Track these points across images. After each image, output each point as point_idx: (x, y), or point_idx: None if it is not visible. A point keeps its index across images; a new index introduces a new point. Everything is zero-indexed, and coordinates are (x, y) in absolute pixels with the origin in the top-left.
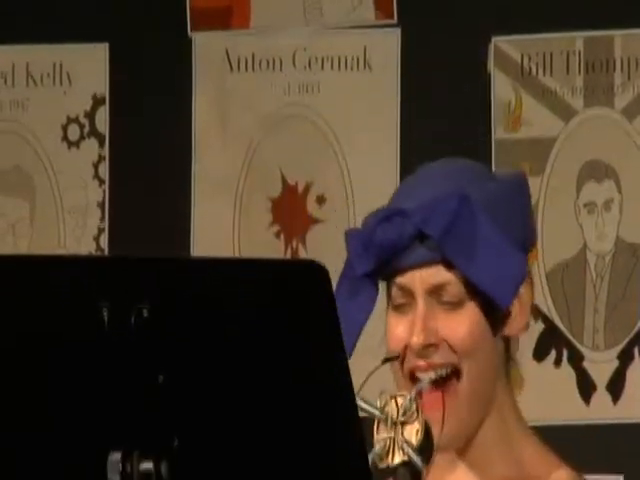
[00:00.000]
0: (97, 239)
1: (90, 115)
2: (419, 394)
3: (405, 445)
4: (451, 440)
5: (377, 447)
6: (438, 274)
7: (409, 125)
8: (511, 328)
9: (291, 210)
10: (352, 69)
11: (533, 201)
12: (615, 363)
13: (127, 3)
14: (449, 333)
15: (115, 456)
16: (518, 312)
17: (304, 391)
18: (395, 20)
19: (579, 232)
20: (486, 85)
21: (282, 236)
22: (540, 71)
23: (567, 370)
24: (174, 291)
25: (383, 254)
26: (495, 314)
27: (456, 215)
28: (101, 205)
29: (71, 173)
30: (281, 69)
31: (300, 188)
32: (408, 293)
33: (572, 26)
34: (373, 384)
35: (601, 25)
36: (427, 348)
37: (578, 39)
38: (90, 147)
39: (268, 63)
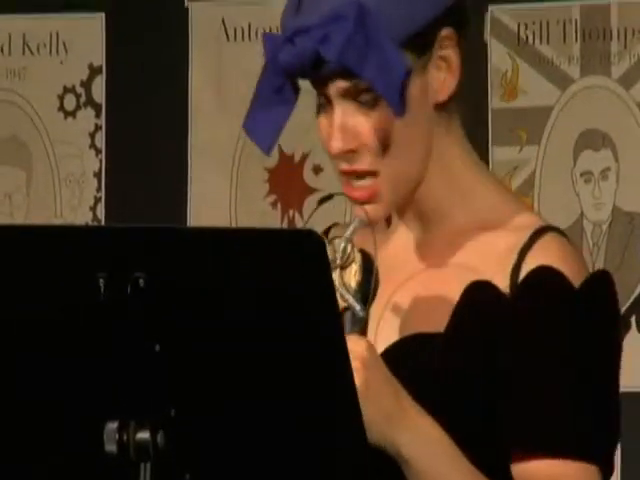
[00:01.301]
0: (94, 209)
1: (86, 85)
2: (349, 240)
3: (343, 291)
4: (380, 219)
5: None
6: (347, 78)
7: None
8: (442, 93)
9: (288, 180)
10: None
11: (530, 170)
12: None
13: None
14: (365, 137)
15: (112, 426)
16: (447, 77)
17: (300, 361)
18: None
19: (576, 201)
20: (483, 54)
21: (279, 206)
22: (537, 40)
23: None
24: (170, 261)
25: (289, 73)
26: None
27: (352, 33)
28: (97, 175)
29: (67, 142)
30: None
31: (297, 158)
32: (326, 97)
33: None
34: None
35: None
36: (347, 153)
37: (574, 8)
38: (86, 117)
39: (265, 33)
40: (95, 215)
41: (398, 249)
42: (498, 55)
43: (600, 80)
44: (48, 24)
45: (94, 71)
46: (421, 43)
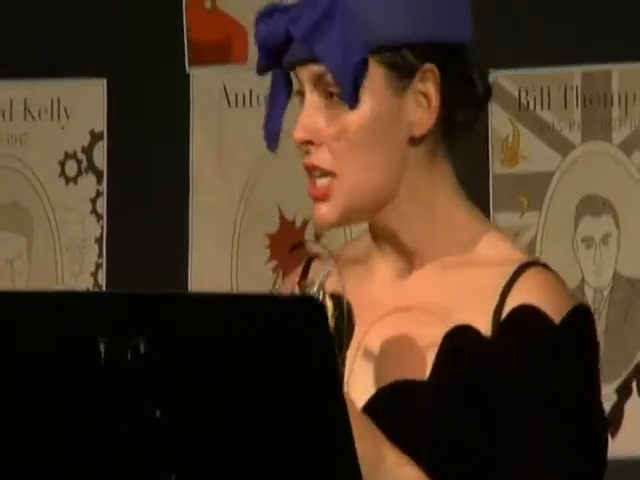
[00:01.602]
0: (95, 275)
1: (88, 150)
2: (322, 286)
3: None
4: (332, 223)
5: None
6: (315, 65)
7: None
8: (419, 129)
9: (289, 246)
10: None
11: (531, 236)
12: (613, 397)
13: (125, 38)
14: (324, 133)
15: None
16: (424, 114)
17: (301, 424)
18: None
19: (577, 266)
20: (484, 119)
21: (280, 272)
22: (538, 105)
23: None
24: (171, 326)
25: (264, 52)
26: (383, 115)
27: (320, 19)
28: (99, 241)
29: (69, 208)
30: None
31: (297, 224)
32: (302, 85)
33: (569, 60)
34: None
35: (598, 59)
36: (307, 144)
37: (576, 74)
38: (88, 182)
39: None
40: (96, 281)
41: (376, 287)
42: (499, 120)
43: (601, 146)
44: (49, 90)
45: (95, 137)
46: (397, 63)
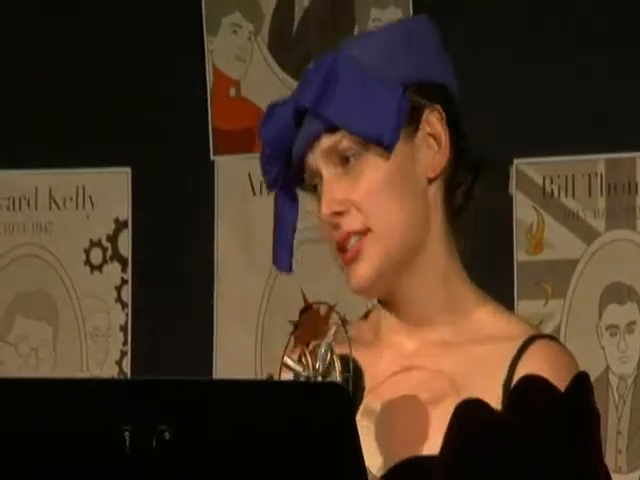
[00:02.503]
0: (120, 363)
1: (112, 239)
2: (329, 346)
3: None
4: (370, 283)
5: None
6: (327, 139)
7: None
8: (433, 168)
9: (314, 333)
10: None
11: (555, 324)
12: None
13: (150, 127)
14: (354, 197)
15: None
16: (437, 151)
17: None
18: None
19: (601, 354)
20: (508, 207)
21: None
22: (562, 193)
23: None
24: (196, 413)
25: (277, 150)
26: (399, 161)
27: (325, 81)
28: (124, 328)
29: (94, 296)
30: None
31: (322, 311)
32: (315, 172)
33: (594, 149)
34: None
35: (623, 148)
36: (337, 217)
37: (600, 161)
38: (113, 271)
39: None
40: (121, 369)
41: (385, 362)
42: (523, 208)
43: (625, 234)
44: (74, 179)
45: (120, 225)
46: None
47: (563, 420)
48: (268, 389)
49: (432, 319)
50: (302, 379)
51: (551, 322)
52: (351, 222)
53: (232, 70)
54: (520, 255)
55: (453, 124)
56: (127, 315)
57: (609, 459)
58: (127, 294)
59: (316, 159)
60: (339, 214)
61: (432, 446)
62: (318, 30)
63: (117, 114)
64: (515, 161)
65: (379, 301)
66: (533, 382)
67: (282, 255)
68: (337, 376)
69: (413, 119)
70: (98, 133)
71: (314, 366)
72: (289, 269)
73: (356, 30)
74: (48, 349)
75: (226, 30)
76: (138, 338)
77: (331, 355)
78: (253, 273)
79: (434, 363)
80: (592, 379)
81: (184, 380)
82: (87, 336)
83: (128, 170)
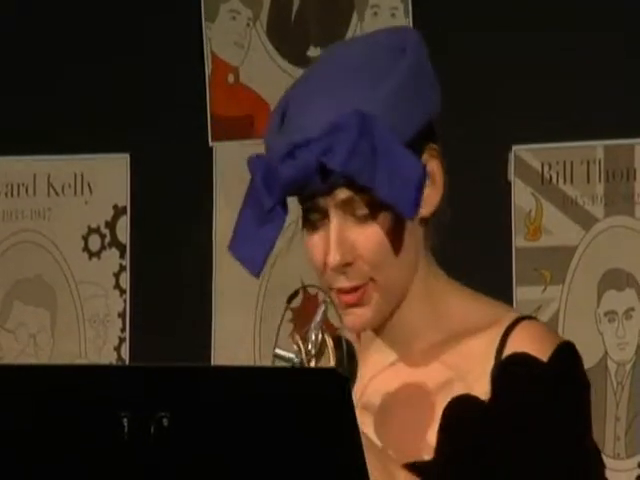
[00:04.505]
0: (118, 349)
1: (111, 225)
2: (319, 327)
3: None
4: (367, 325)
5: None
6: (345, 192)
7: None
8: (426, 209)
9: (312, 319)
10: None
11: (554, 310)
12: (637, 471)
13: (148, 113)
14: (362, 249)
15: None
16: (431, 192)
17: None
18: None
19: (600, 340)
20: (507, 193)
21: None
22: (560, 180)
23: None
24: (194, 400)
25: (288, 188)
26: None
27: (355, 142)
28: (122, 315)
29: (92, 283)
30: None
31: (321, 297)
32: (321, 211)
33: (592, 135)
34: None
35: (621, 134)
36: (344, 267)
37: (598, 148)
38: (111, 257)
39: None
40: (119, 355)
41: (368, 371)
42: (522, 195)
43: (624, 220)
44: (73, 165)
45: (119, 212)
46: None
47: (548, 390)
48: (267, 375)
49: (416, 331)
50: (296, 365)
51: (549, 308)
52: (357, 276)
53: (230, 57)
54: (518, 241)
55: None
56: (125, 302)
57: (607, 445)
58: (125, 281)
59: (328, 204)
60: (347, 264)
61: (425, 450)
62: (317, 17)
63: (116, 100)
64: (513, 147)
65: None
66: (516, 358)
67: (257, 260)
68: (330, 354)
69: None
70: (97, 119)
71: (307, 350)
72: (257, 274)
73: (354, 17)
74: (46, 335)
75: (224, 16)
76: (136, 325)
77: (322, 335)
78: None
79: (420, 365)
80: (590, 365)
81: (182, 366)
82: (85, 323)
83: (127, 156)
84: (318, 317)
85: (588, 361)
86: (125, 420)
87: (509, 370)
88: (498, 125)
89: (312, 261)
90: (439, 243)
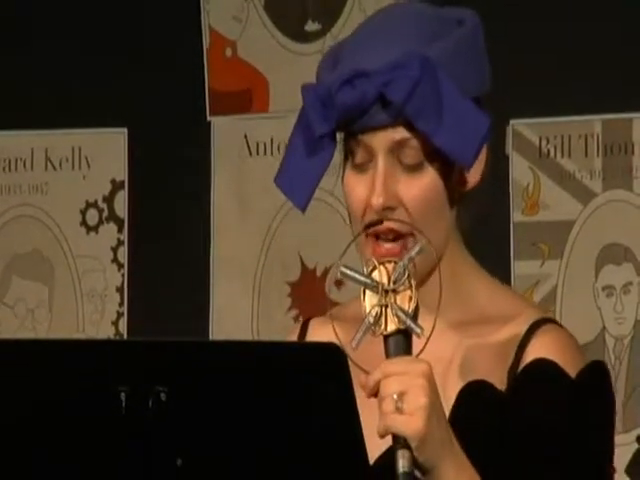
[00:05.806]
0: (116, 323)
1: (109, 200)
2: (411, 261)
3: (400, 312)
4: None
5: (369, 316)
6: (400, 132)
7: None
8: (472, 181)
9: (310, 294)
10: None
11: (552, 284)
12: (634, 446)
13: (145, 87)
14: (406, 197)
15: None
16: (477, 165)
17: (321, 472)
18: None
19: (598, 315)
20: (504, 168)
21: (301, 320)
22: (558, 154)
23: None
24: (192, 374)
25: (344, 116)
26: (451, 177)
27: (418, 80)
28: (120, 289)
29: (90, 257)
30: None
31: (318, 272)
32: (369, 151)
33: (590, 109)
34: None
35: (619, 108)
36: (385, 210)
37: (596, 122)
38: (109, 231)
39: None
40: (117, 330)
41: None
42: (519, 169)
43: (622, 194)
44: (70, 139)
45: (116, 186)
46: None
47: (571, 405)
48: (264, 350)
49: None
50: (368, 288)
51: (547, 283)
52: (397, 224)
53: (228, 30)
54: (516, 216)
55: None
56: (123, 276)
57: None
58: (123, 255)
59: (379, 143)
60: (389, 208)
61: None
62: None
63: (114, 75)
64: (511, 121)
65: None
66: (543, 365)
67: (303, 193)
68: (412, 297)
69: None
70: (94, 94)
71: (389, 277)
72: (303, 208)
73: None
74: (44, 310)
75: None
76: (134, 299)
77: (408, 275)
78: (249, 233)
79: (440, 346)
80: (588, 340)
81: (180, 341)
82: (83, 297)
83: (124, 130)
84: (413, 252)
85: (586, 336)
86: (123, 395)
87: (534, 374)
88: (496, 99)
89: (352, 203)
90: (469, 228)
